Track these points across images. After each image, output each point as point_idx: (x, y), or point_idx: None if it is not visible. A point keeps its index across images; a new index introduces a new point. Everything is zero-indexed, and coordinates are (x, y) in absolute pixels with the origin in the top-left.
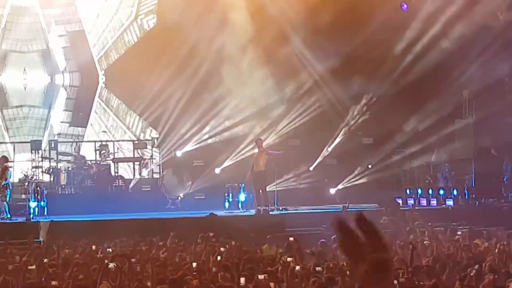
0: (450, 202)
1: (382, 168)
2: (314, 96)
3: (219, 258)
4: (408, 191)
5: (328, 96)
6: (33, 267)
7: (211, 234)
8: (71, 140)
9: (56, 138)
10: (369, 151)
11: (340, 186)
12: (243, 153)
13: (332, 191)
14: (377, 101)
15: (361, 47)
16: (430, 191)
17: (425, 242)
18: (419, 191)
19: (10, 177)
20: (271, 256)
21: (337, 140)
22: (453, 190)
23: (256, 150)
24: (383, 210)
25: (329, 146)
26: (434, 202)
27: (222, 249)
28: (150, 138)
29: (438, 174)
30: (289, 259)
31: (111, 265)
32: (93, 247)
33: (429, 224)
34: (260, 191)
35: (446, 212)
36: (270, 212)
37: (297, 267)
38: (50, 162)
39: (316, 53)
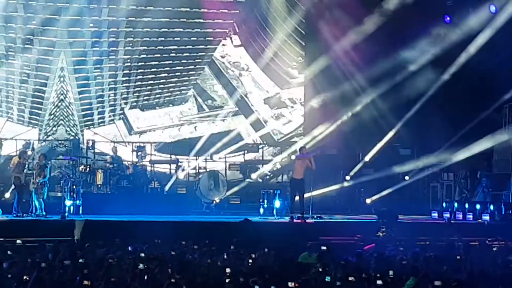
0: (486, 217)
1: (419, 180)
2: (354, 105)
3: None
4: (444, 204)
5: (368, 105)
6: (68, 262)
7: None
8: (108, 140)
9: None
10: (406, 162)
11: (376, 197)
12: (281, 161)
13: (368, 201)
14: (418, 113)
15: (405, 58)
16: (467, 205)
17: (457, 257)
18: (456, 204)
19: (48, 175)
20: (306, 264)
21: (375, 150)
22: (489, 205)
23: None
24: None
25: (367, 156)
26: (470, 216)
27: (254, 255)
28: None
29: (477, 188)
30: (321, 268)
31: (141, 266)
32: (129, 248)
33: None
34: (298, 198)
35: (482, 227)
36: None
37: (327, 278)
38: (87, 161)
39: (357, 62)
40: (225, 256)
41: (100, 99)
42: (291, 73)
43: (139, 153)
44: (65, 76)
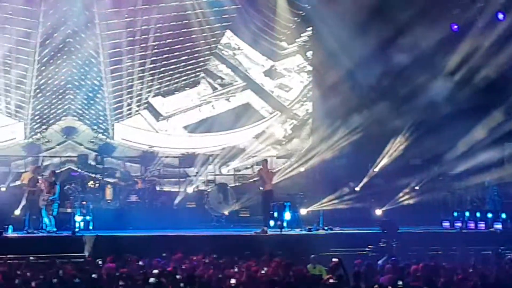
0: (498, 226)
1: (429, 190)
2: (362, 115)
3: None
4: (455, 213)
5: (377, 115)
6: (77, 280)
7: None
8: (117, 155)
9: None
10: (416, 172)
11: (386, 207)
12: (290, 171)
13: (378, 212)
14: (427, 122)
15: (412, 67)
16: (478, 214)
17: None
18: (467, 214)
19: (58, 191)
20: (318, 276)
21: (385, 160)
22: (501, 213)
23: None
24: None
25: (376, 167)
26: (482, 225)
27: (266, 267)
28: (196, 155)
29: (487, 197)
30: (331, 280)
31: (152, 280)
32: (140, 262)
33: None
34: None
35: (494, 235)
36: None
37: None
38: (96, 176)
39: (364, 71)
40: (236, 269)
41: (130, 89)
42: (281, 45)
43: (148, 168)
44: (101, 71)
